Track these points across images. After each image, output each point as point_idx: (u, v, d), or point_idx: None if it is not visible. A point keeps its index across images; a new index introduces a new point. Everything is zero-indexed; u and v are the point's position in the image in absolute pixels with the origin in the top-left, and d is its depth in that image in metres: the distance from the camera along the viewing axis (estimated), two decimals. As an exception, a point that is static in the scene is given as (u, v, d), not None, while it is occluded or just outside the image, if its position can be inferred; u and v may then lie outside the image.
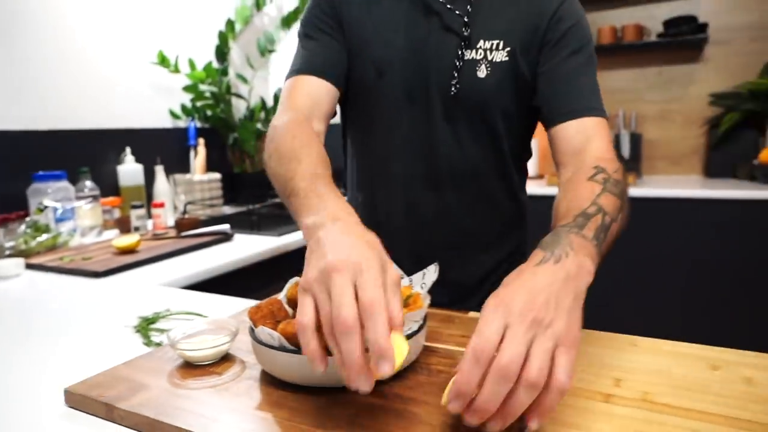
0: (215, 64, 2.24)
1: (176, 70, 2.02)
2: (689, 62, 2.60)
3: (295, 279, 0.74)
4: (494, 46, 0.81)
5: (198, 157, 2.09)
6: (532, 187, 2.20)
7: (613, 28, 2.63)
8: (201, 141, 2.13)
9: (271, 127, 0.77)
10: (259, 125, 2.29)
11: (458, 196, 0.89)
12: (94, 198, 1.65)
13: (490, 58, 0.81)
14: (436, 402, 0.50)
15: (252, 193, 2.18)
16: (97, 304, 0.98)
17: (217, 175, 2.08)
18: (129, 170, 1.84)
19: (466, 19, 0.81)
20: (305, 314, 0.45)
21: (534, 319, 0.44)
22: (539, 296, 0.46)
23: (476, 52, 0.82)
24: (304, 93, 0.82)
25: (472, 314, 0.77)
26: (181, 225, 1.55)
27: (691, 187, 2.24)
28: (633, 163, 2.67)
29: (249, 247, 1.45)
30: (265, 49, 2.34)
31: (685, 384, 0.54)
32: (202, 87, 2.10)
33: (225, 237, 1.52)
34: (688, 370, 0.57)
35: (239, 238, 1.57)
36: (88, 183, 1.67)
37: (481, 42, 0.81)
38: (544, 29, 0.81)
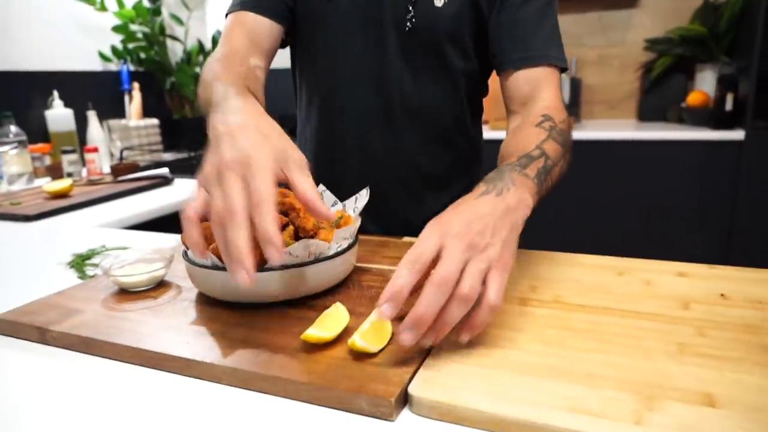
0: (146, 3, 2.12)
1: (102, 8, 1.90)
2: (627, 7, 2.66)
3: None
4: None
5: (133, 102, 2.00)
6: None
7: (556, -29, 2.64)
8: (136, 85, 2.03)
9: (205, 63, 0.76)
10: (197, 69, 2.20)
11: (411, 132, 0.87)
12: (21, 144, 1.56)
13: None
14: (367, 312, 0.52)
15: (193, 139, 2.12)
16: (29, 246, 0.95)
17: (154, 121, 2.01)
18: (58, 115, 1.75)
19: None
20: (191, 206, 0.48)
21: (470, 242, 0.46)
22: (477, 223, 0.47)
23: None
24: (243, 30, 0.79)
25: (406, 239, 0.81)
26: (118, 170, 1.50)
27: (625, 130, 2.34)
28: (573, 108, 2.75)
29: (189, 190, 1.43)
30: (201, -12, 2.23)
31: (593, 288, 0.59)
32: (133, 27, 1.99)
33: (164, 181, 1.49)
34: (596, 277, 0.62)
35: (179, 182, 1.54)
36: (13, 128, 1.58)
37: None
38: None
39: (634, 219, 2.29)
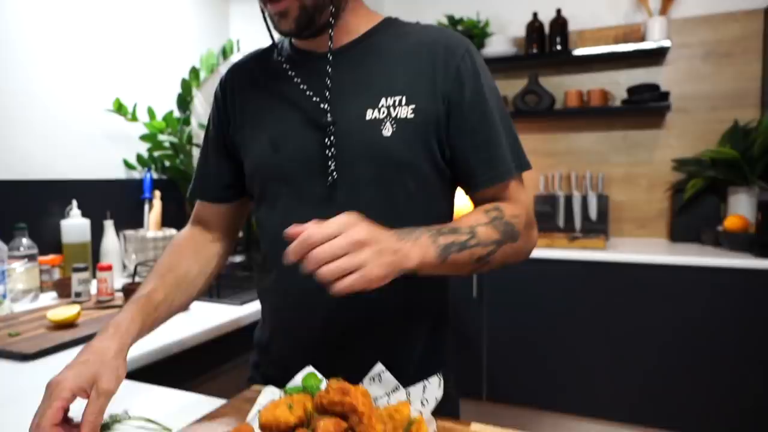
0: (176, 113, 2.12)
1: (134, 119, 1.89)
2: (653, 128, 2.66)
3: (267, 399, 0.63)
4: (396, 102, 0.76)
5: (153, 212, 1.93)
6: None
7: (580, 92, 2.68)
8: (157, 194, 1.98)
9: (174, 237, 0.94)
10: (221, 178, 2.16)
11: None
12: (31, 258, 1.47)
13: (394, 114, 0.76)
14: None
15: (210, 250, 2.03)
16: (23, 396, 0.81)
17: (172, 231, 1.92)
18: (74, 225, 1.67)
19: (327, 107, 0.77)
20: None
21: (357, 243, 0.59)
22: (373, 242, 0.61)
23: (379, 111, 0.76)
24: (197, 215, 0.95)
25: (474, 426, 0.66)
26: (130, 292, 1.39)
27: (659, 252, 2.24)
28: (600, 224, 2.67)
29: (207, 318, 1.30)
30: (231, 99, 2.25)
31: None
32: (162, 137, 1.97)
33: (180, 306, 1.36)
34: None
35: (197, 306, 1.41)
36: (25, 240, 1.49)
37: (383, 100, 0.77)
38: (448, 90, 0.77)
39: (669, 351, 2.12)
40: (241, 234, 2.37)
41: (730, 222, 2.26)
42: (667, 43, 2.45)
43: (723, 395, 2.05)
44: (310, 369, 0.68)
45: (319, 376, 0.67)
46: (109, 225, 1.79)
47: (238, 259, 2.22)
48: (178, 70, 2.19)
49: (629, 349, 2.18)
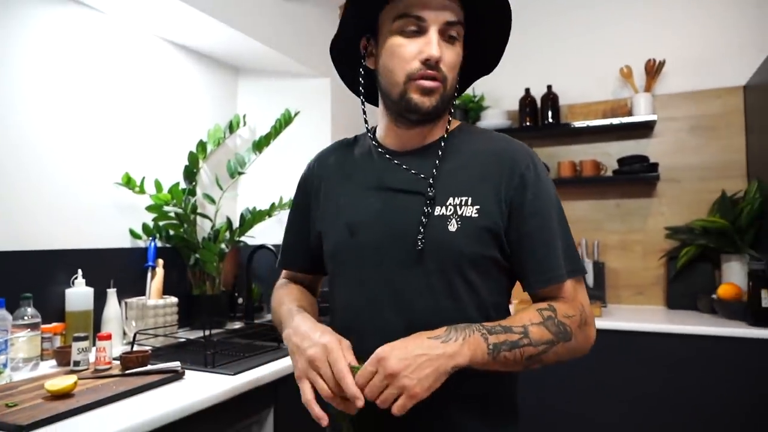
0: (183, 185, 2.22)
1: (141, 191, 1.99)
2: (645, 197, 2.74)
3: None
4: (463, 202, 0.86)
5: (155, 280, 1.99)
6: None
7: (573, 162, 2.78)
8: (160, 262, 2.04)
9: (273, 291, 1.10)
10: (223, 245, 2.23)
11: None
12: (34, 327, 1.51)
13: (460, 212, 0.85)
14: None
15: (210, 316, 2.07)
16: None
17: (173, 300, 1.97)
18: (77, 294, 1.72)
19: (431, 180, 0.87)
20: (307, 392, 0.77)
21: (392, 373, 0.70)
22: (409, 360, 0.71)
23: (446, 209, 0.86)
24: (291, 278, 1.13)
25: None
26: (127, 361, 1.42)
27: (656, 319, 2.26)
28: (597, 290, 2.69)
29: (201, 388, 1.33)
30: (235, 172, 2.35)
31: None
32: (167, 207, 2.06)
33: (175, 375, 1.40)
34: None
35: (190, 375, 1.44)
36: (29, 310, 1.54)
37: (451, 199, 0.86)
38: (511, 195, 0.86)
39: (664, 417, 2.09)
40: (240, 300, 2.42)
41: (723, 290, 2.28)
42: (653, 117, 2.57)
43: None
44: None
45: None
46: (111, 293, 1.84)
47: (237, 325, 2.25)
48: (186, 143, 2.31)
49: (626, 416, 2.15)
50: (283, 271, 1.14)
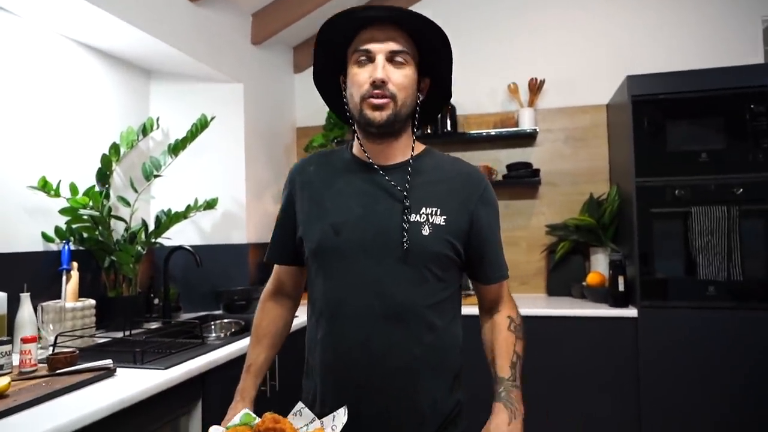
0: (97, 187, 2.22)
1: (57, 195, 1.98)
2: (528, 198, 3.12)
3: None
4: (433, 212, 1.07)
5: (70, 283, 1.99)
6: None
7: (468, 167, 3.09)
8: (75, 264, 2.04)
9: (261, 296, 1.29)
10: (139, 248, 2.26)
11: (406, 327, 1.04)
12: (-51, 333, 1.50)
13: (431, 220, 1.06)
14: None
15: (127, 317, 2.10)
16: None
17: (91, 302, 1.99)
18: (-10, 299, 1.70)
19: (405, 193, 1.06)
20: None
21: None
22: None
23: (420, 216, 1.06)
24: (275, 274, 1.28)
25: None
26: (55, 362, 1.46)
27: (538, 305, 2.62)
28: (490, 282, 3.03)
29: (134, 383, 1.41)
30: (151, 174, 2.38)
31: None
32: (83, 210, 2.06)
33: (107, 372, 1.46)
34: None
35: (122, 372, 1.51)
36: (-57, 316, 1.52)
37: (423, 208, 1.07)
38: (471, 209, 1.09)
39: (547, 390, 2.46)
40: (157, 301, 2.45)
41: (591, 278, 2.70)
42: (536, 129, 2.95)
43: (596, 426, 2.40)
44: (246, 410, 0.86)
45: (253, 415, 0.86)
46: (25, 298, 1.83)
47: (154, 325, 2.29)
48: (99, 146, 2.30)
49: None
50: (274, 269, 1.28)
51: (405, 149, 1.12)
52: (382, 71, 1.01)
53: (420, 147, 1.16)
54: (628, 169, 2.48)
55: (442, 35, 1.08)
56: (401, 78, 1.04)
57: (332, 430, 0.79)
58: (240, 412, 0.87)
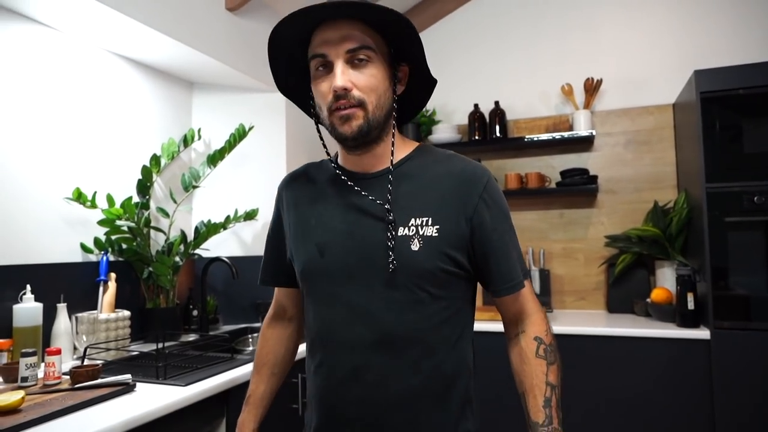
0: (136, 199, 2.23)
1: (93, 206, 1.99)
2: (585, 207, 2.90)
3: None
4: (424, 222, 0.93)
5: (107, 294, 1.99)
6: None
7: (519, 174, 2.91)
8: (112, 276, 2.04)
9: (264, 321, 1.22)
10: (177, 259, 2.25)
11: (402, 356, 0.92)
12: (-20, 344, 1.51)
13: (421, 233, 0.92)
14: None
15: (164, 329, 2.08)
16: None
17: (125, 313, 1.98)
18: (25, 309, 1.71)
19: (387, 206, 0.94)
20: None
21: None
22: None
23: (408, 229, 0.92)
24: (275, 298, 1.21)
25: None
26: (77, 375, 1.44)
27: (597, 323, 2.39)
28: (544, 296, 2.83)
29: (151, 400, 1.36)
30: (190, 185, 2.38)
31: None
32: (119, 221, 2.06)
33: (126, 388, 1.42)
34: None
35: (142, 388, 1.47)
36: (-24, 327, 1.53)
37: (412, 219, 0.93)
38: (471, 212, 0.94)
39: (605, 419, 2.22)
40: (195, 312, 2.44)
41: (656, 294, 2.44)
42: (592, 132, 2.74)
43: (659, 463, 2.14)
44: None
45: None
46: (62, 308, 1.84)
47: (192, 337, 2.26)
48: (140, 157, 2.32)
49: (570, 410, 2.27)
50: (275, 292, 1.20)
51: (395, 152, 1.00)
52: (342, 78, 0.89)
53: (409, 147, 1.03)
54: (698, 173, 2.23)
55: (395, 15, 0.89)
56: (366, 79, 0.90)
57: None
58: None
